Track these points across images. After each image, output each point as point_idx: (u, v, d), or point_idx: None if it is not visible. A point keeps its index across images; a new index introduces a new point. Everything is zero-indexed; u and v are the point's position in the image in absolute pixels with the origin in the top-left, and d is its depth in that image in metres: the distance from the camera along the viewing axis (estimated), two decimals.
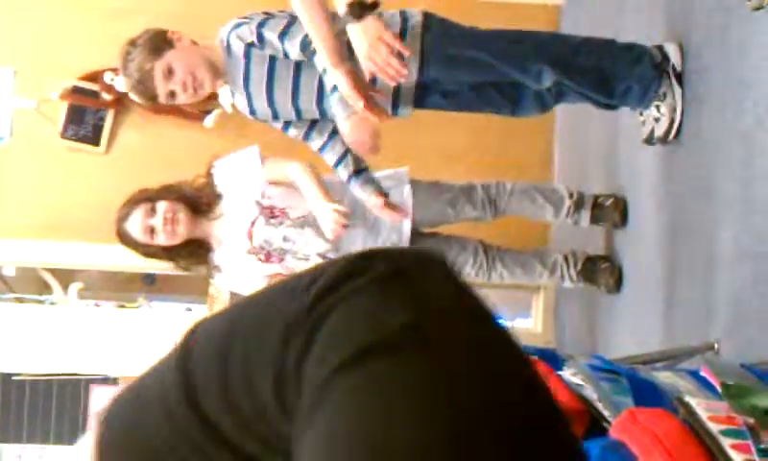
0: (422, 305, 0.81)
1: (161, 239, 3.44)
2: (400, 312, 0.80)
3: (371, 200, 3.33)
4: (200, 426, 0.85)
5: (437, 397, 0.75)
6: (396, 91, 3.08)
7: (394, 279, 0.82)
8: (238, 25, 3.03)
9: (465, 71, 3.07)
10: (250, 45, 3.01)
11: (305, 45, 2.90)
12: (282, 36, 2.94)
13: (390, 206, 3.34)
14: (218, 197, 3.52)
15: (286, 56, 3.00)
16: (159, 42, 3.07)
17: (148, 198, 3.45)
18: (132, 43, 3.10)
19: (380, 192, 3.34)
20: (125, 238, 3.49)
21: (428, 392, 0.75)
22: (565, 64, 3.06)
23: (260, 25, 2.98)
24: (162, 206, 3.43)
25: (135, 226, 3.43)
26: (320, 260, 3.49)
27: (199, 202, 3.51)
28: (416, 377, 0.76)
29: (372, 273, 0.82)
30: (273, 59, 3.04)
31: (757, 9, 2.47)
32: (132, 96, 3.23)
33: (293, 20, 2.94)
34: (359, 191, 3.35)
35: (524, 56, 3.04)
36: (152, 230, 3.43)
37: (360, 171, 3.34)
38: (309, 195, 3.42)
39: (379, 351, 0.77)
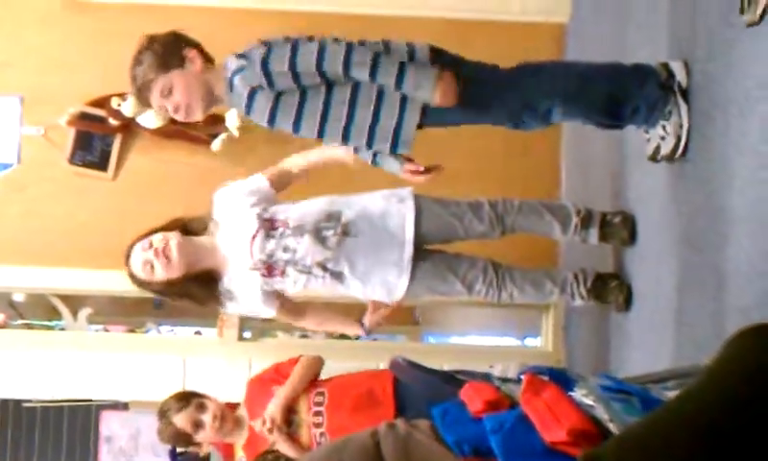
0: None
1: (159, 272, 3.34)
2: None
3: (404, 167, 3.31)
4: None
5: None
6: (396, 133, 3.05)
7: None
8: (241, 69, 2.96)
9: (473, 110, 3.07)
10: (255, 89, 2.95)
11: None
12: (292, 66, 2.91)
13: (424, 171, 3.33)
14: (208, 216, 3.48)
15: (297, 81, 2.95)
16: (171, 57, 3.04)
17: (147, 234, 3.39)
18: (151, 42, 3.06)
19: (410, 159, 3.32)
20: (135, 280, 3.42)
21: None
22: (575, 97, 3.07)
23: (264, 64, 2.91)
24: (156, 237, 3.37)
25: (136, 264, 3.37)
26: (320, 272, 3.46)
27: (190, 223, 3.46)
28: None
29: None
30: (278, 97, 2.97)
31: (751, 25, 2.48)
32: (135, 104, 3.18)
33: (296, 45, 2.93)
34: (389, 165, 3.32)
35: (533, 96, 3.05)
36: (151, 266, 3.35)
37: None
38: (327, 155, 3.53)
39: None
